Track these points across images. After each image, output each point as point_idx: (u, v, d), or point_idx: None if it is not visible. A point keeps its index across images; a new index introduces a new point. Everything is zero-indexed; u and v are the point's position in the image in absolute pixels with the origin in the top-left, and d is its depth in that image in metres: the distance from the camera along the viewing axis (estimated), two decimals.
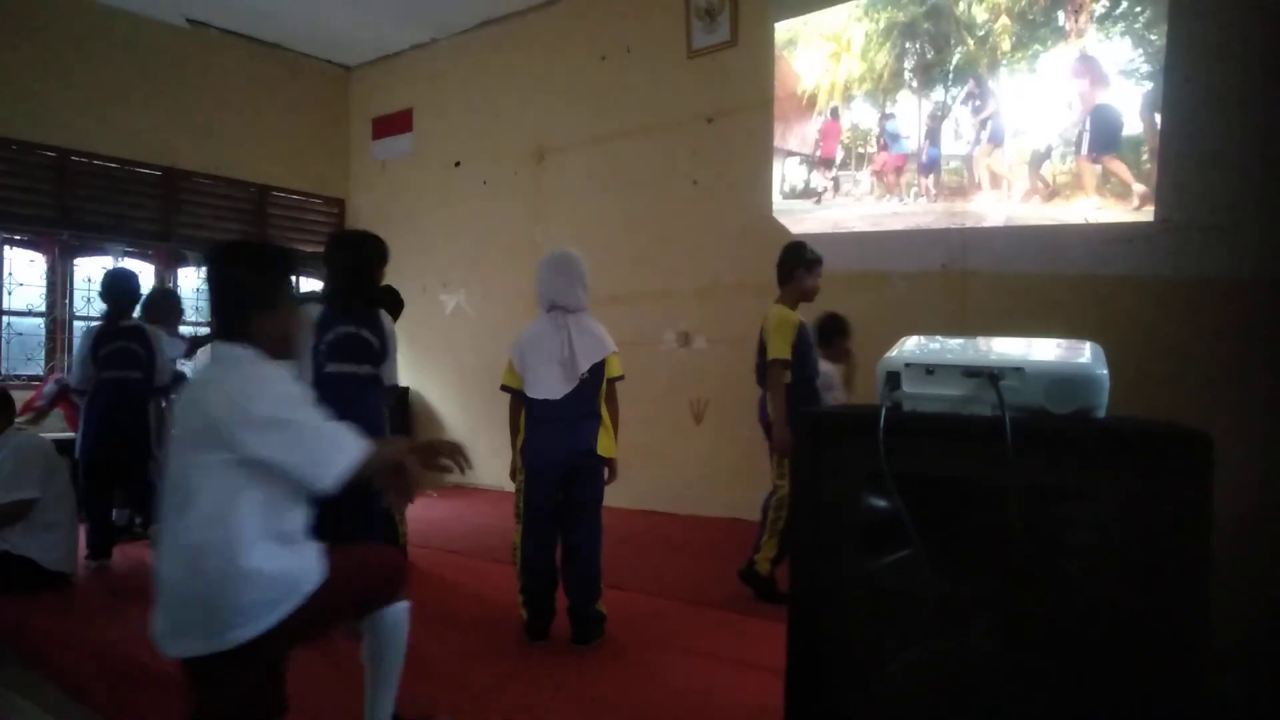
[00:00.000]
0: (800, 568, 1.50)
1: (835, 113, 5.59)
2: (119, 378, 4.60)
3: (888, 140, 5.36)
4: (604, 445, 3.39)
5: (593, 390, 3.37)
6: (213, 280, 2.02)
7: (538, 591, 3.39)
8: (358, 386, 3.46)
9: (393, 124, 8.58)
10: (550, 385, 3.31)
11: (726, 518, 5.68)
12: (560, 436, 3.33)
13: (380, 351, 3.55)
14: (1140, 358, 4.07)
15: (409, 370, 8.19)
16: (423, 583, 4.23)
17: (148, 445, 4.72)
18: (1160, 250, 4.28)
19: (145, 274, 7.59)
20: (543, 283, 3.40)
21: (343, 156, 8.97)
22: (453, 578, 4.35)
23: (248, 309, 1.96)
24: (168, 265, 7.65)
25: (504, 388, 3.46)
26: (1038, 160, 4.75)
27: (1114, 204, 4.48)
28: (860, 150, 5.51)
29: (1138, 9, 4.45)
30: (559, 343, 3.33)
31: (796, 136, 5.78)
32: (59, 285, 7.07)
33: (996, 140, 4.91)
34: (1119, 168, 4.48)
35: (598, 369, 3.36)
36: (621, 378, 3.48)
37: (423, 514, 6.18)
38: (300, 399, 1.96)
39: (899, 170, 5.32)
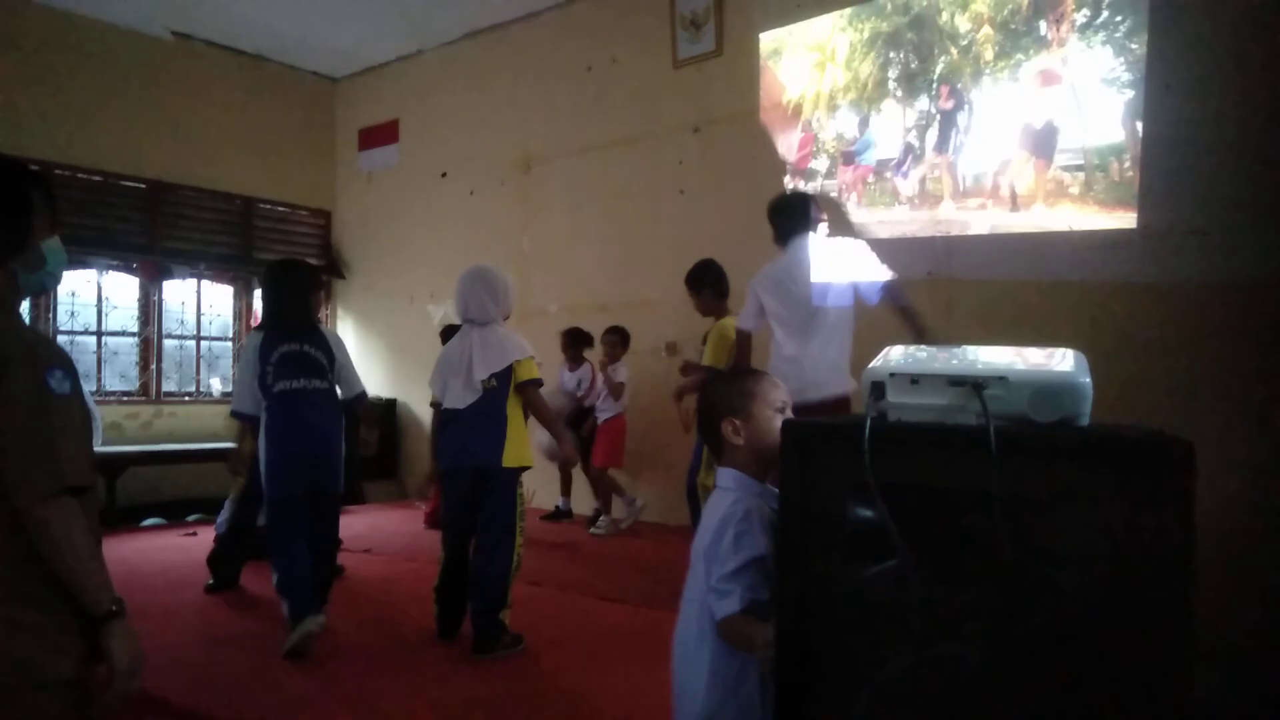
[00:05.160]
0: (787, 578, 1.50)
1: (807, 125, 5.65)
2: None
3: (856, 151, 5.42)
4: (510, 456, 3.41)
5: (499, 399, 3.42)
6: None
7: (444, 591, 3.47)
8: (310, 401, 3.52)
9: (379, 135, 8.58)
10: (455, 396, 3.42)
11: None
12: (464, 446, 3.41)
13: (330, 365, 3.63)
14: (1125, 362, 4.09)
15: (396, 381, 8.18)
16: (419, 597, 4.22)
17: None
18: (1143, 256, 4.31)
19: (130, 286, 7.56)
20: (457, 297, 3.56)
21: (329, 168, 8.96)
22: None
23: None
24: (152, 278, 7.61)
25: (433, 404, 3.62)
26: (1020, 168, 4.78)
27: (1096, 210, 4.51)
28: (843, 163, 5.54)
29: (1118, 18, 4.49)
30: (461, 354, 3.45)
31: (782, 145, 5.80)
32: (43, 299, 7.02)
33: (978, 148, 4.94)
34: (1100, 175, 4.52)
35: (504, 377, 3.42)
36: (535, 381, 3.52)
37: (408, 528, 6.16)
38: None
39: (864, 181, 5.37)
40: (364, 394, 3.85)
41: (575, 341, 6.16)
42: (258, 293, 8.18)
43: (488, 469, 3.38)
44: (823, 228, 4.08)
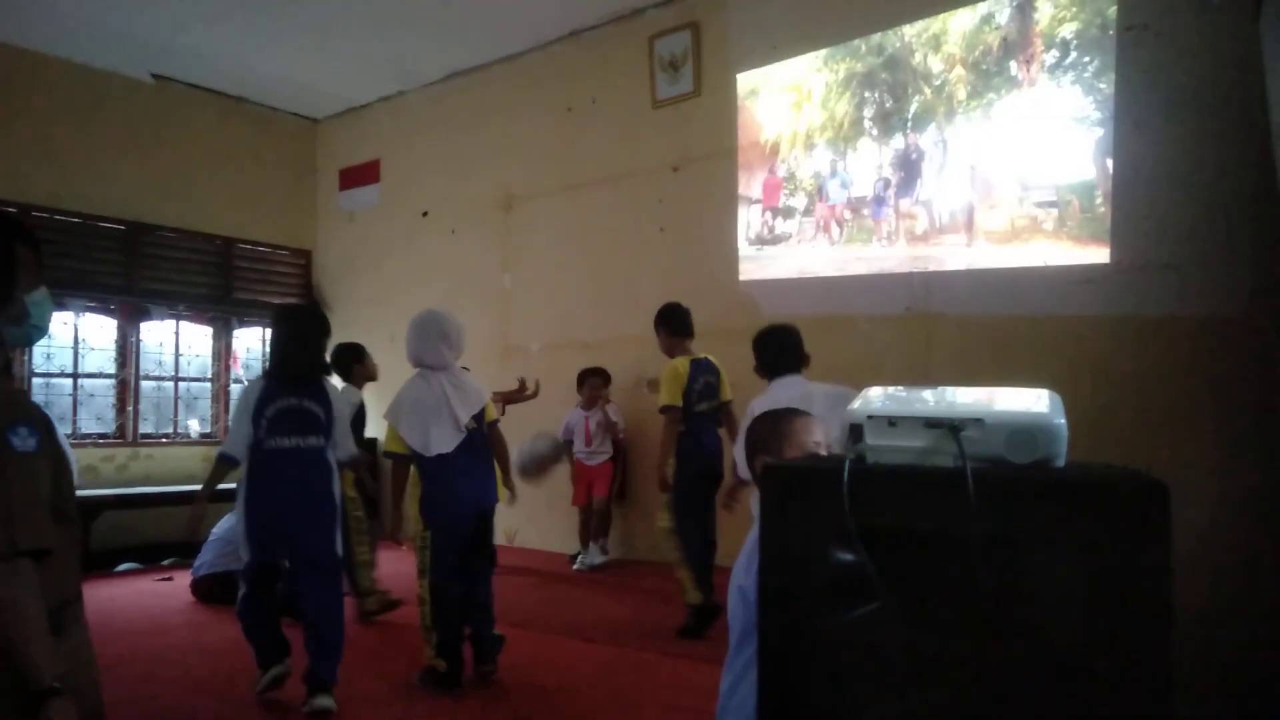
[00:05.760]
0: (769, 623, 1.49)
1: (773, 169, 5.75)
2: None
3: (828, 190, 5.51)
4: (498, 491, 3.64)
5: (481, 438, 3.53)
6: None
7: (456, 643, 3.45)
8: (301, 461, 3.37)
9: (360, 175, 8.60)
10: (442, 439, 3.42)
11: None
12: (463, 491, 3.44)
13: (327, 422, 3.45)
14: (1101, 396, 4.13)
15: (377, 421, 8.10)
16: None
17: None
18: (1116, 291, 4.37)
19: (107, 328, 7.50)
20: (408, 343, 3.58)
21: (310, 208, 8.95)
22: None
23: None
24: (130, 319, 7.55)
25: (387, 453, 3.57)
26: (993, 204, 4.85)
27: (1070, 245, 4.58)
28: (819, 199, 5.61)
29: (1086, 59, 4.60)
30: (436, 399, 3.46)
31: (760, 184, 5.87)
32: None
33: (953, 185, 5.01)
34: (1072, 211, 4.59)
35: (479, 417, 3.55)
36: (497, 420, 3.70)
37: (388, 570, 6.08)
38: None
39: (840, 219, 5.44)
40: (354, 457, 3.65)
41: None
42: (237, 333, 8.15)
43: (490, 509, 3.55)
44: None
